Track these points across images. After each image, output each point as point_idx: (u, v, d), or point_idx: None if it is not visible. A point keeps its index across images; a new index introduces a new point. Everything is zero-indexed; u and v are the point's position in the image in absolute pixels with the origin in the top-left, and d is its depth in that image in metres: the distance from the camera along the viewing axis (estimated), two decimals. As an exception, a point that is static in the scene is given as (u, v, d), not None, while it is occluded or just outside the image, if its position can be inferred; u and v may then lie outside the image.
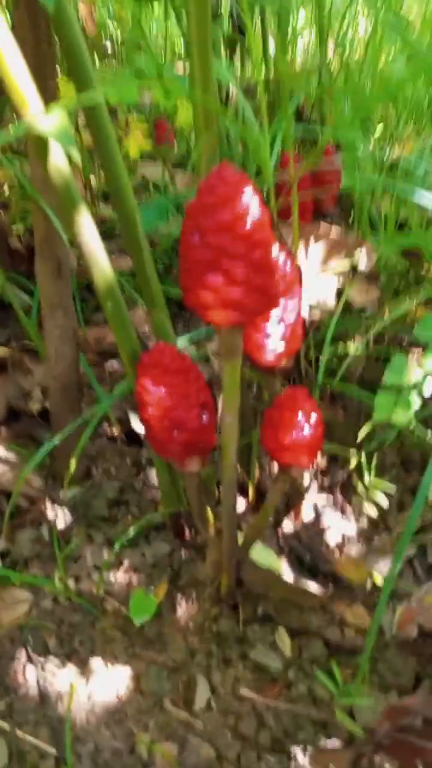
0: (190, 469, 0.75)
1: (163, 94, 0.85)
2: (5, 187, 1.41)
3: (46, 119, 0.52)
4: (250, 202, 0.45)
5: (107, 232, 1.45)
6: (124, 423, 1.09)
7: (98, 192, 1.58)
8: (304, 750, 0.70)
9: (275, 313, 0.70)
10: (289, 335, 0.71)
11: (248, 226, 0.46)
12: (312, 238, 0.88)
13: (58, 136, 0.50)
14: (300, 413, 0.64)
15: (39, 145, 0.56)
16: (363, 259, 0.90)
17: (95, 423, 0.92)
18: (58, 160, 0.57)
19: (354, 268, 0.93)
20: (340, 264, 0.90)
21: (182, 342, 1.00)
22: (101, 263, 0.63)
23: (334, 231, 0.90)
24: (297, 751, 0.69)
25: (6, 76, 0.50)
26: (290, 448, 0.65)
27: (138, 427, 1.07)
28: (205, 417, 0.71)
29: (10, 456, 1.02)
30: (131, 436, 1.08)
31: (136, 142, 1.00)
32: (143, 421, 0.73)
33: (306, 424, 0.64)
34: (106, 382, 1.20)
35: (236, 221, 0.45)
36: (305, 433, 0.65)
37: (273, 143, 0.73)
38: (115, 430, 1.09)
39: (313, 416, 0.65)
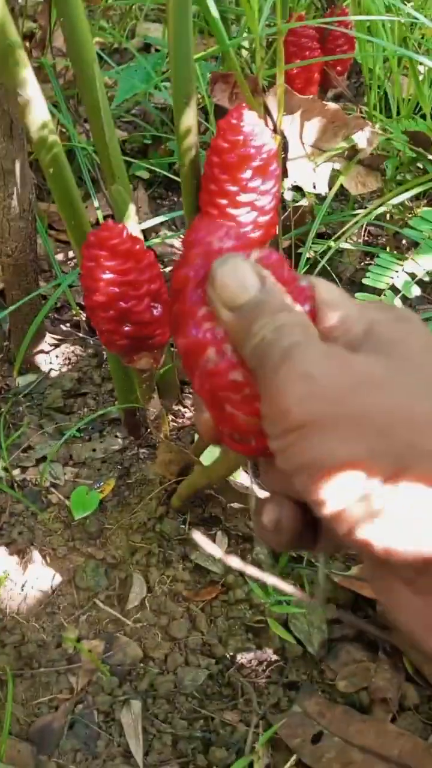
0: (140, 366, 0.69)
1: None
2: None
3: None
4: None
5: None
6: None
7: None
8: (233, 657, 0.69)
9: (245, 197, 0.62)
10: (261, 223, 0.63)
11: None
12: (304, 113, 0.77)
13: None
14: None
15: None
16: (363, 143, 0.79)
17: (51, 303, 0.85)
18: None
19: (352, 155, 0.82)
20: (336, 146, 0.79)
21: (155, 221, 0.91)
22: (39, 116, 0.54)
23: (332, 107, 0.78)
24: (225, 657, 0.68)
25: None
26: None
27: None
28: (156, 310, 0.64)
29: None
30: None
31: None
32: (89, 309, 0.65)
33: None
34: (69, 267, 1.12)
35: None
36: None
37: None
38: (79, 318, 1.02)
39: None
